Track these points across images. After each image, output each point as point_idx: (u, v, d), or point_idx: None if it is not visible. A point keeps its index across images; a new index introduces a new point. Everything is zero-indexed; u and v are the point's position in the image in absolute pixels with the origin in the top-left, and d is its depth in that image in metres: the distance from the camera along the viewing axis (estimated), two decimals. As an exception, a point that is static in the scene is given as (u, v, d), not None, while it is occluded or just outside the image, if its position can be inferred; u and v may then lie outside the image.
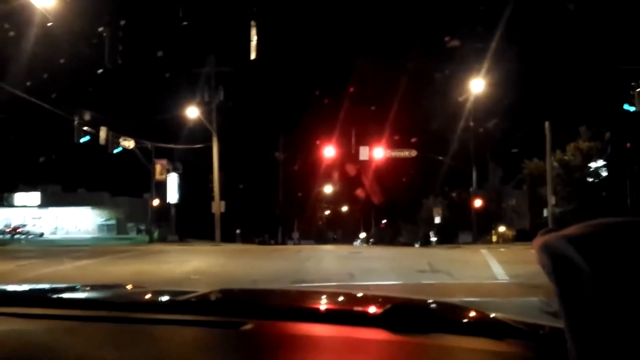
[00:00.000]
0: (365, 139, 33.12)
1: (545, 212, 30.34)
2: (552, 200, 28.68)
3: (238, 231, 41.12)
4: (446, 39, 29.53)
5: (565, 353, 0.73)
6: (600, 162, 33.96)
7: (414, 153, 33.25)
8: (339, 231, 65.15)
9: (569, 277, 0.73)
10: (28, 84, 22.71)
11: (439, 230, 41.05)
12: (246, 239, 40.16)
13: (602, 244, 0.72)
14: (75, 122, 24.87)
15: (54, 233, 55.12)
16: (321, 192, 57.87)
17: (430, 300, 1.88)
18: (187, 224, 37.49)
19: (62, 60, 23.63)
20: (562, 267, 0.74)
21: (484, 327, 1.40)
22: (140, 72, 33.81)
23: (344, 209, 64.73)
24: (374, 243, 52.62)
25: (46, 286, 2.28)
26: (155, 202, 36.23)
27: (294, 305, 1.81)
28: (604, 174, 34.22)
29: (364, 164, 36.79)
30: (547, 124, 28.31)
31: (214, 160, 33.37)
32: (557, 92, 32.81)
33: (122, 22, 17.18)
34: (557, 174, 31.48)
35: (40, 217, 58.23)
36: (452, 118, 35.19)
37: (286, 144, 48.20)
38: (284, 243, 45.65)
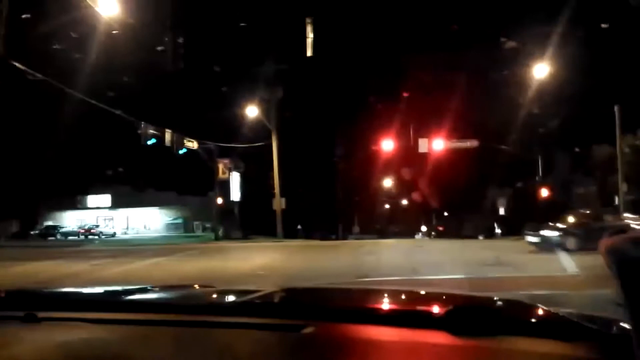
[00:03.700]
0: (424, 131, 32.67)
1: (616, 200, 29.00)
2: (623, 187, 27.38)
3: (299, 227, 41.52)
4: (503, 39, 28.52)
5: None
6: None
7: (475, 143, 32.51)
8: (400, 225, 64.51)
9: (634, 280, 0.72)
10: (95, 90, 23.68)
11: (504, 221, 39.99)
12: (307, 234, 40.46)
13: None
14: (142, 125, 25.76)
15: (125, 233, 57.37)
16: (380, 186, 57.52)
17: (495, 298, 1.84)
18: (250, 221, 38.14)
19: (126, 66, 24.52)
20: (627, 270, 0.73)
21: (553, 327, 1.36)
22: (202, 73, 34.63)
23: (404, 202, 64.08)
24: (436, 236, 51.86)
25: (116, 288, 2.33)
26: (219, 200, 37.07)
27: (354, 306, 1.82)
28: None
29: (422, 160, 36.30)
30: (616, 107, 27.03)
31: (274, 158, 33.80)
32: (626, 74, 31.21)
33: (183, 27, 17.68)
34: (628, 160, 29.99)
35: (111, 218, 60.75)
36: (515, 106, 34.13)
37: (344, 139, 48.24)
38: (344, 238, 45.69)
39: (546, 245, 18.05)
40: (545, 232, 18.73)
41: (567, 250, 16.73)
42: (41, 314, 1.59)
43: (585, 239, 17.24)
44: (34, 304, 1.71)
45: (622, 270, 0.75)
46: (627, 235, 0.75)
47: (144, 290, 2.25)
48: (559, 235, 18.32)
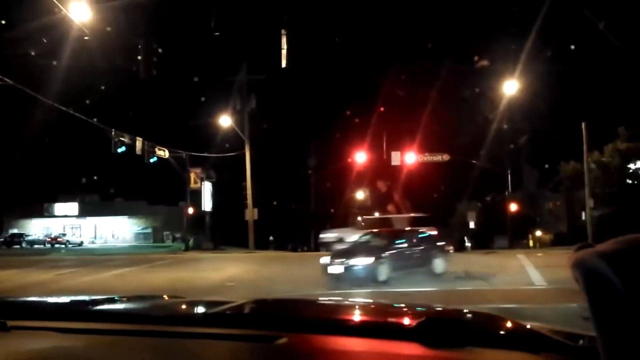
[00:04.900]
0: (396, 144, 32.98)
1: (583, 216, 29.69)
2: (590, 203, 28.02)
3: (271, 238, 41.31)
4: (476, 58, 29.04)
5: None
6: (640, 164, 33.03)
7: (446, 157, 32.91)
8: (372, 237, 64.73)
9: (602, 294, 0.74)
10: (65, 96, 23.30)
11: (474, 235, 40.49)
12: (280, 245, 40.27)
13: (634, 260, 0.72)
14: (112, 133, 25.43)
15: (92, 242, 56.34)
16: (353, 198, 57.72)
17: (465, 311, 1.86)
18: (222, 232, 37.84)
19: (98, 73, 24.21)
20: (594, 284, 0.75)
21: (521, 339, 1.38)
22: (174, 82, 34.40)
23: (377, 214, 64.38)
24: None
25: (85, 298, 2.32)
26: (190, 210, 36.73)
27: (327, 317, 1.82)
28: (645, 175, 33.26)
29: (395, 173, 36.63)
30: (583, 124, 27.72)
31: (247, 168, 33.67)
32: (593, 93, 32.10)
33: (156, 35, 17.56)
34: (595, 176, 30.74)
35: (79, 227, 59.62)
36: (485, 121, 34.74)
37: (317, 151, 48.36)
38: (316, 249, 45.59)
39: (353, 277, 13.11)
40: (355, 260, 13.35)
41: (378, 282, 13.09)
42: (11, 323, 1.57)
43: (398, 264, 13.80)
44: (3, 312, 1.68)
45: (589, 283, 0.76)
46: (594, 249, 0.77)
47: (113, 300, 2.23)
48: (373, 263, 13.28)
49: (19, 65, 20.04)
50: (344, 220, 52.85)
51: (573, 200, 36.28)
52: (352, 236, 26.93)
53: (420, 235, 16.32)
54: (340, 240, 27.93)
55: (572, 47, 25.54)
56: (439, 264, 14.94)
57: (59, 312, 1.92)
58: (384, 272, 13.26)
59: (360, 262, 13.26)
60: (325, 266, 13.60)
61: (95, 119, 24.97)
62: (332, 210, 52.86)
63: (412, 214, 30.95)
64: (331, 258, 13.91)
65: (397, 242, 14.94)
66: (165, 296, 2.53)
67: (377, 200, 57.72)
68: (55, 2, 14.99)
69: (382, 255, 13.64)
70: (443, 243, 16.38)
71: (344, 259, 13.50)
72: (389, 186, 46.28)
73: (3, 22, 18.50)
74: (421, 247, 15.22)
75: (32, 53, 19.51)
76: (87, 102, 28.83)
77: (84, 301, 2.26)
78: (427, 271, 14.40)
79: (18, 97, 21.87)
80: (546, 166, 39.80)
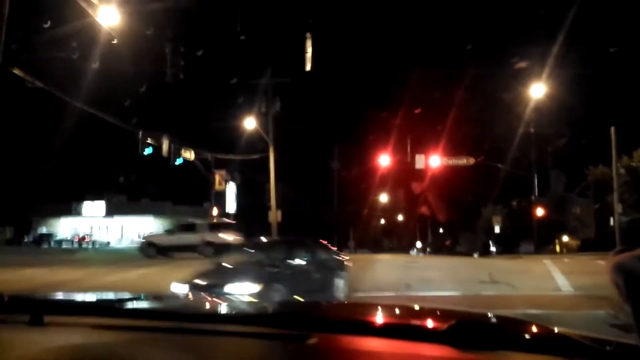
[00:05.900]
0: (420, 147, 32.72)
1: (612, 221, 29.13)
2: (619, 208, 27.47)
3: (294, 240, 41.33)
4: (514, 60, 28.55)
5: None
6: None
7: (472, 161, 32.55)
8: (395, 240, 64.47)
9: None
10: (93, 98, 23.68)
11: (499, 239, 40.02)
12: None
13: None
14: (139, 135, 25.77)
15: (119, 241, 57.08)
16: (376, 201, 57.61)
17: (493, 315, 1.86)
18: (245, 233, 38.01)
19: (125, 76, 24.55)
20: (636, 287, 0.75)
21: (550, 343, 1.38)
22: (200, 85, 34.74)
23: (400, 217, 64.09)
24: (431, 252, 51.79)
25: (116, 296, 2.37)
26: (215, 211, 37.03)
27: (357, 318, 1.83)
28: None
29: (422, 178, 36.43)
30: (612, 129, 27.21)
31: (271, 170, 33.79)
32: (622, 97, 31.50)
33: (183, 39, 17.77)
34: (624, 181, 30.14)
35: (106, 226, 60.49)
36: (511, 125, 34.34)
37: (341, 153, 48.41)
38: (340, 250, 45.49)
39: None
40: (234, 286, 8.75)
41: None
42: (46, 318, 1.61)
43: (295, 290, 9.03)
44: (39, 308, 1.72)
45: (630, 286, 0.77)
46: (634, 252, 0.77)
47: (144, 298, 2.27)
48: (262, 290, 8.69)
49: (48, 68, 20.44)
50: (368, 222, 52.68)
51: (601, 205, 35.59)
52: (164, 240, 26.94)
53: (317, 248, 12.39)
54: (150, 244, 27.52)
55: (601, 51, 25.12)
56: (340, 285, 11.40)
57: (92, 308, 1.97)
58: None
59: (243, 290, 8.58)
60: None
61: (123, 121, 25.34)
62: (364, 211, 52.77)
63: (216, 220, 29.58)
64: (192, 283, 9.06)
65: (290, 258, 10.91)
66: (190, 294, 2.56)
67: (400, 203, 57.53)
68: (84, 6, 15.25)
69: (274, 278, 9.58)
70: (343, 258, 12.83)
71: (215, 286, 8.68)
72: (412, 190, 46.03)
73: (31, 26, 18.89)
74: (320, 264, 11.40)
75: (61, 56, 19.88)
76: (115, 104, 29.27)
77: (115, 298, 2.31)
78: (328, 296, 10.60)
79: (47, 99, 22.31)
80: (574, 170, 39.13)
